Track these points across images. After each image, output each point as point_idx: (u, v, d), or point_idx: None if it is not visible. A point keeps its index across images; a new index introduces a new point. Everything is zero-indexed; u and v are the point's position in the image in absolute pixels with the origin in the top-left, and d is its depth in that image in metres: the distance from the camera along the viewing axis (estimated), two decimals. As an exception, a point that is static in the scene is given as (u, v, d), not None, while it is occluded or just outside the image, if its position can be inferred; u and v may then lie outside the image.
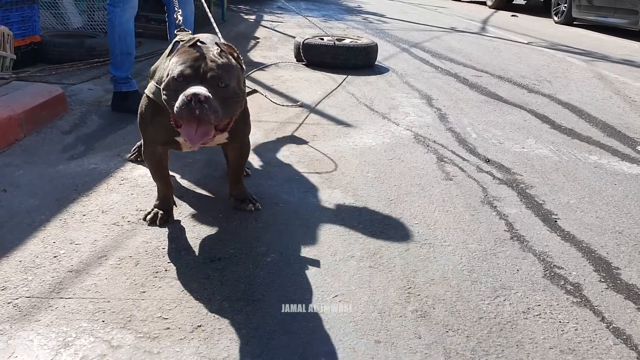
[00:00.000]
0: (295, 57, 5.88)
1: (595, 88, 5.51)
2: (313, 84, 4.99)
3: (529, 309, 1.91)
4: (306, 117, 3.95)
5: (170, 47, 2.25)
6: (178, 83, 1.85)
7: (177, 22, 2.46)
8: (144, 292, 1.85)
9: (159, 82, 2.06)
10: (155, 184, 2.37)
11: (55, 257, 2.01)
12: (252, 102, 3.97)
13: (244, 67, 2.08)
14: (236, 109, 1.97)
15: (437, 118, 4.18)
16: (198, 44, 1.98)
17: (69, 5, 6.16)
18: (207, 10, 2.86)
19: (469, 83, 5.42)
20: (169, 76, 1.90)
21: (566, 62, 6.90)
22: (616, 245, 2.40)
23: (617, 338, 1.79)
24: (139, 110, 2.22)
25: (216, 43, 2.04)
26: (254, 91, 2.56)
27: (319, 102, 4.37)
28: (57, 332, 1.62)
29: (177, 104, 1.81)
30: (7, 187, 2.53)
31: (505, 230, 2.47)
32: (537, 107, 4.65)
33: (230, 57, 2.01)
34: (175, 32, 2.36)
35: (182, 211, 2.43)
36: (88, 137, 3.25)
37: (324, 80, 5.18)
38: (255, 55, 6.12)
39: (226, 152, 2.52)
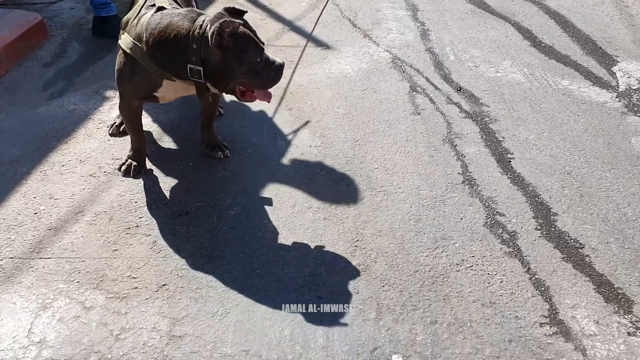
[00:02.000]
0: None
1: (589, -9, 5.36)
2: (298, -7, 4.91)
3: (463, 260, 2.13)
4: (281, 30, 3.97)
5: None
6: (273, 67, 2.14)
7: None
8: (116, 250, 2.07)
9: (137, 38, 2.13)
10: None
11: (35, 213, 2.22)
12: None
13: None
14: None
15: (419, 35, 4.17)
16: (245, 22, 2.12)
17: None
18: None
19: (459, -12, 5.28)
20: (265, 61, 2.11)
21: (567, -45, 6.61)
22: (561, 187, 2.56)
23: (536, 290, 2.01)
24: (116, 66, 2.27)
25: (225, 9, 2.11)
26: None
27: (300, 18, 4.35)
28: (37, 294, 1.86)
29: (270, 78, 2.14)
30: (-9, 135, 2.69)
31: (459, 173, 2.63)
32: (523, 19, 4.59)
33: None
34: None
35: (156, 157, 2.59)
36: (68, 70, 3.34)
37: (309, -13, 5.08)
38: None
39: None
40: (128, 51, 2.18)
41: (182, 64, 2.04)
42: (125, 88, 2.28)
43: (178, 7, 2.25)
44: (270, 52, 3.57)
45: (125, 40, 2.20)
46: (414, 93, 3.31)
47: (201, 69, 2.02)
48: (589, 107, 3.24)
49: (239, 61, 2.04)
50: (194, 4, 2.63)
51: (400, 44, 3.95)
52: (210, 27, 1.99)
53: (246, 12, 2.12)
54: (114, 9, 3.79)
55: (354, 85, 3.38)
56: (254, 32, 2.09)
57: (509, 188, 2.54)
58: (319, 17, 4.29)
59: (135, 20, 2.19)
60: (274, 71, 2.13)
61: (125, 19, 2.30)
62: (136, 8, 2.28)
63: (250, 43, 2.06)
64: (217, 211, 2.28)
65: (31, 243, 2.08)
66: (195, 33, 2.01)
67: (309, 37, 4.01)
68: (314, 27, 4.12)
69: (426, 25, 4.32)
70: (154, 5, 2.19)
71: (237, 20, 2.01)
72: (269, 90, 2.19)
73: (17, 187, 2.34)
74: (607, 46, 4.05)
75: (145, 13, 2.16)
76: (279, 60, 2.13)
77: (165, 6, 2.17)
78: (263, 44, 2.08)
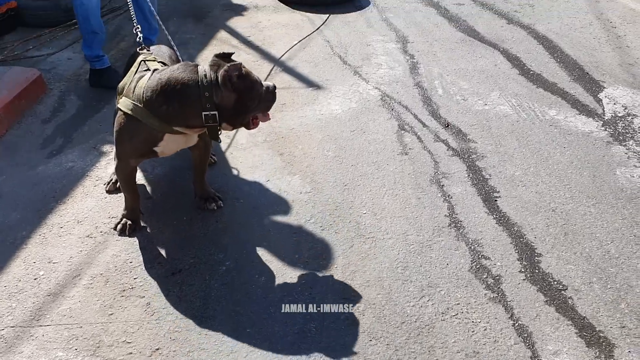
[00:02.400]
0: (275, -6, 5.83)
1: (578, 12, 5.45)
2: (290, 30, 5.02)
3: (448, 309, 2.19)
4: (270, 71, 4.07)
5: (136, 65, 2.40)
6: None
7: (137, 39, 2.60)
8: (112, 314, 2.15)
9: (137, 99, 2.24)
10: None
11: (35, 279, 2.31)
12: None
13: None
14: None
15: (408, 69, 4.26)
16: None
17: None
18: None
19: (448, 15, 5.39)
20: (265, 88, 2.33)
21: (556, -26, 6.69)
22: (546, 226, 2.62)
23: (519, 337, 2.07)
24: (115, 128, 2.35)
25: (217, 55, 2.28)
26: None
27: (292, 57, 4.45)
28: (37, 364, 1.94)
29: (270, 101, 2.37)
30: (-7, 198, 2.79)
31: (445, 215, 2.69)
32: (512, 45, 4.67)
33: None
34: (137, 50, 2.49)
35: (150, 213, 2.67)
36: (67, 125, 3.45)
37: (302, 24, 5.20)
38: (235, -7, 6.06)
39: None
40: (129, 112, 2.25)
41: (195, 113, 2.19)
42: (124, 148, 2.36)
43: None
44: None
45: (124, 103, 2.28)
46: (402, 132, 3.38)
47: (216, 113, 2.17)
48: (575, 138, 3.30)
49: (251, 98, 2.24)
50: (180, 60, 2.74)
51: (389, 80, 4.04)
52: (215, 75, 2.15)
53: (233, 52, 2.33)
54: (108, 61, 3.91)
55: (343, 126, 3.46)
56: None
57: (495, 229, 2.60)
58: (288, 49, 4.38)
59: (133, 84, 2.29)
60: (272, 94, 2.36)
61: (121, 85, 2.39)
62: (130, 73, 2.39)
63: (253, 79, 2.26)
64: (209, 267, 2.36)
65: (31, 310, 2.16)
66: (205, 82, 2.15)
67: (300, 77, 4.11)
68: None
69: (415, 57, 4.41)
70: (147, 69, 2.30)
71: (237, 62, 2.20)
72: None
73: (17, 252, 2.44)
74: (594, 71, 4.12)
75: (143, 76, 2.27)
76: (270, 83, 2.36)
77: (158, 67, 2.28)
78: None
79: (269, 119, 2.42)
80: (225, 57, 2.27)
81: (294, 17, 5.36)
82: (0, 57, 4.13)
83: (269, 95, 2.36)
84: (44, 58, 4.33)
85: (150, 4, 3.35)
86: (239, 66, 2.18)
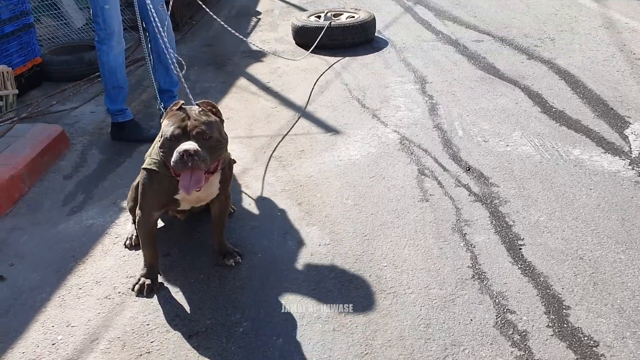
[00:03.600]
0: (294, 38, 5.90)
1: (600, 44, 5.38)
2: (309, 75, 5.05)
3: (473, 369, 2.10)
4: (296, 122, 4.07)
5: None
6: (171, 142, 2.26)
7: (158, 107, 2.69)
8: (128, 381, 2.11)
9: (156, 154, 2.43)
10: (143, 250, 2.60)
11: (53, 344, 2.29)
12: (245, 110, 4.12)
13: (222, 118, 2.45)
14: (221, 153, 2.38)
15: (427, 110, 4.23)
16: (182, 106, 2.36)
17: (68, 5, 6.26)
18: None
19: (467, 53, 5.37)
20: (163, 137, 2.31)
21: (576, 5, 6.67)
22: (574, 275, 2.52)
23: (550, 400, 1.96)
24: (139, 183, 2.53)
25: (196, 103, 2.40)
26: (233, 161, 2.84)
27: (311, 102, 4.46)
28: None
29: (173, 160, 2.23)
30: (14, 259, 2.81)
31: (469, 266, 2.62)
32: (533, 82, 4.62)
33: (210, 113, 2.38)
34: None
35: (168, 271, 2.66)
36: (88, 181, 3.48)
37: (320, 67, 5.23)
38: (255, 39, 6.15)
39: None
40: (149, 167, 2.44)
41: None
42: (147, 199, 2.49)
43: None
44: (282, 142, 3.69)
45: (147, 161, 2.49)
46: (422, 177, 3.33)
47: None
48: (602, 178, 3.21)
49: None
50: None
51: (408, 123, 4.01)
52: None
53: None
54: (130, 114, 3.97)
55: (362, 172, 3.43)
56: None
57: (520, 280, 2.51)
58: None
59: (156, 146, 2.46)
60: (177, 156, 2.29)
61: (146, 155, 2.57)
62: (154, 144, 2.54)
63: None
64: (226, 329, 2.32)
65: (48, 379, 2.14)
66: None
67: (318, 122, 4.10)
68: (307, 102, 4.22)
69: (434, 98, 4.38)
70: None
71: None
72: (188, 182, 2.32)
73: (36, 316, 2.43)
74: (619, 106, 4.03)
75: None
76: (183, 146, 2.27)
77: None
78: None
79: (185, 190, 2.30)
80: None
81: (313, 61, 5.40)
82: (25, 114, 4.21)
83: (175, 157, 2.26)
84: (67, 112, 4.42)
85: (170, 57, 3.40)
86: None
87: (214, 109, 2.43)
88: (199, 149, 2.22)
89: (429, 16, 6.61)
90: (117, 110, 3.90)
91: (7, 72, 4.23)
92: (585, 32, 5.73)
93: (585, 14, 6.30)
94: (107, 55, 3.73)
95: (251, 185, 3.36)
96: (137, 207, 2.55)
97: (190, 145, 2.21)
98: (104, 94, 3.98)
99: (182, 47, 5.93)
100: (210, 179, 2.43)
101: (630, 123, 3.82)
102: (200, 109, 2.37)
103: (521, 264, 2.60)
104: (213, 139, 2.30)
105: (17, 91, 4.34)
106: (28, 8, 4.75)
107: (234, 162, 2.90)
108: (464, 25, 6.19)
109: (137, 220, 2.58)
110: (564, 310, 2.33)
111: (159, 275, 2.61)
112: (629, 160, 3.38)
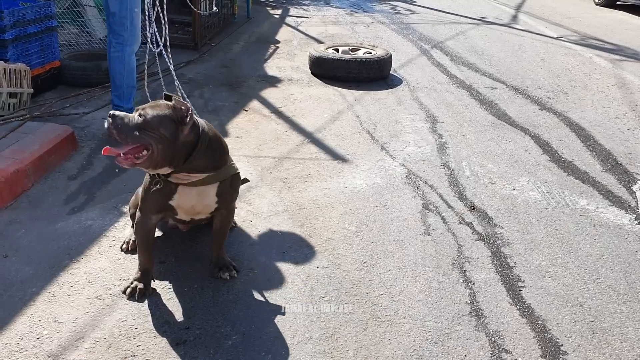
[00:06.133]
0: (310, 68, 5.96)
1: (612, 102, 5.41)
2: (322, 104, 5.08)
3: (463, 405, 2.03)
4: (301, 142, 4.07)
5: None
6: None
7: None
8: (110, 382, 2.06)
9: None
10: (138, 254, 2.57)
11: (38, 338, 2.24)
12: (255, 131, 4.12)
13: (186, 121, 2.31)
14: (147, 142, 2.26)
15: (436, 149, 4.23)
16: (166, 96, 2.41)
17: (92, 16, 6.35)
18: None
19: (480, 98, 5.40)
20: None
21: (591, 64, 6.74)
22: (572, 322, 2.47)
23: None
24: (142, 188, 2.56)
25: (174, 99, 2.34)
26: (245, 180, 2.85)
27: (321, 130, 4.47)
28: None
29: None
30: (9, 251, 2.78)
31: (467, 302, 2.57)
32: (543, 132, 4.63)
33: (171, 109, 2.30)
34: None
35: (162, 277, 2.62)
36: (92, 183, 3.47)
37: (333, 98, 5.26)
38: (271, 66, 6.22)
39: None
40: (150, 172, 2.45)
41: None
42: (146, 201, 2.49)
43: None
44: (289, 165, 3.68)
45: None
46: (426, 211, 3.31)
47: None
48: (607, 229, 3.18)
49: None
50: None
51: (416, 158, 4.00)
52: None
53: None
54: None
55: (366, 201, 3.41)
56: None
57: (518, 321, 2.46)
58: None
59: None
60: None
61: None
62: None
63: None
64: (215, 340, 2.27)
65: (28, 372, 2.09)
66: None
67: (327, 149, 4.10)
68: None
69: (444, 137, 4.39)
70: None
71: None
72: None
73: (24, 309, 2.39)
74: (628, 162, 4.03)
75: None
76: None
77: None
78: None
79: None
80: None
81: (326, 91, 5.44)
82: (37, 113, 4.23)
83: None
84: (79, 116, 4.44)
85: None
86: None
87: (182, 108, 2.32)
88: (124, 117, 2.26)
89: (444, 60, 6.69)
90: (128, 110, 3.96)
91: (25, 70, 4.27)
92: (598, 89, 5.77)
93: (599, 73, 6.36)
94: (130, 57, 3.96)
95: (254, 203, 3.34)
96: (137, 209, 2.55)
97: (118, 112, 2.28)
98: (115, 96, 4.08)
99: (199, 66, 6.01)
100: (205, 190, 2.44)
101: (638, 179, 3.82)
102: (172, 103, 2.33)
103: (520, 306, 2.56)
104: (145, 122, 2.26)
105: (32, 90, 4.37)
106: (53, 12, 4.82)
107: (247, 180, 2.88)
108: (478, 72, 6.25)
109: (135, 222, 2.56)
110: (561, 356, 2.28)
111: (152, 280, 2.57)
112: (635, 215, 3.36)
